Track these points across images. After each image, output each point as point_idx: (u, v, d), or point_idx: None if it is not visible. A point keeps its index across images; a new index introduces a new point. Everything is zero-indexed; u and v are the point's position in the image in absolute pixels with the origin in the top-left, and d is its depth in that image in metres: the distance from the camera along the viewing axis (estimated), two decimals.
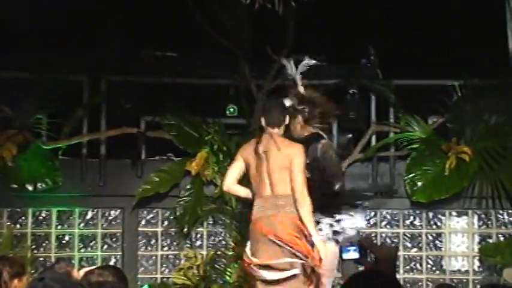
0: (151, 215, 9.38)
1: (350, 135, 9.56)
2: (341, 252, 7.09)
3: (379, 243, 8.87)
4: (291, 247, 6.39)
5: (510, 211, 9.34)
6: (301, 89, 7.20)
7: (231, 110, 9.54)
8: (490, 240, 9.40)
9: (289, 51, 9.18)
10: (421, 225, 9.45)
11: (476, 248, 9.38)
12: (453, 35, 8.87)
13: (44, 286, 4.25)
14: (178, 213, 9.14)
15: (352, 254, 7.21)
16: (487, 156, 9.07)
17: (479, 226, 9.39)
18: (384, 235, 9.38)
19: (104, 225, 9.43)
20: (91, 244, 9.32)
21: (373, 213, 9.39)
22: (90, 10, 8.90)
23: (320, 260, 6.34)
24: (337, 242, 6.93)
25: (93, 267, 6.06)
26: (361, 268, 7.25)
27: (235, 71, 9.49)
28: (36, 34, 8.66)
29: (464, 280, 9.32)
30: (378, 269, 4.10)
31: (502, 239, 9.36)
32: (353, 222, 6.95)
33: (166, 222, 9.36)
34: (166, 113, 9.32)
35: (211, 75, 9.52)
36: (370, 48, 9.43)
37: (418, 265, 9.34)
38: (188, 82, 9.50)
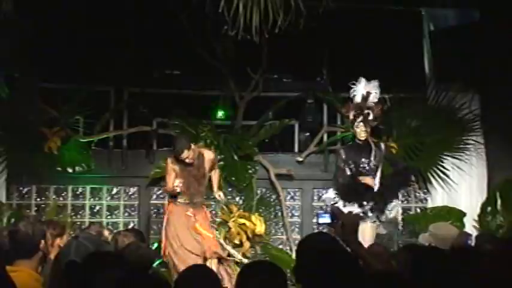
0: (160, 191, 9.22)
1: (308, 134, 9.58)
2: (318, 218, 7.34)
3: None
4: None
5: (425, 190, 9.33)
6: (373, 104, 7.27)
7: (220, 114, 9.57)
8: (410, 212, 9.40)
9: (264, 71, 9.42)
10: None
11: (400, 218, 9.18)
12: (385, 60, 8.74)
13: (77, 243, 4.23)
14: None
15: (326, 219, 7.12)
16: (408, 150, 9.05)
17: (402, 201, 9.23)
18: None
19: (125, 199, 9.36)
20: (115, 213, 9.27)
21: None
22: (116, 38, 8.81)
23: None
24: (374, 221, 7.04)
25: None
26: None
27: (223, 85, 9.48)
28: (74, 54, 8.59)
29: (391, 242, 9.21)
30: (344, 230, 4.13)
31: (418, 211, 9.38)
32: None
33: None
34: (173, 115, 9.27)
35: (205, 88, 9.50)
36: (323, 70, 9.48)
37: None
38: (188, 93, 9.49)
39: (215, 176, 7.57)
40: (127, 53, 8.86)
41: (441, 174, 9.11)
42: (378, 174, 7.30)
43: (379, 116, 7.30)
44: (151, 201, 9.27)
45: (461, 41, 8.38)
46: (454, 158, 9.11)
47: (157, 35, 8.86)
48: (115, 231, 7.56)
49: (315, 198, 9.33)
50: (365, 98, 7.24)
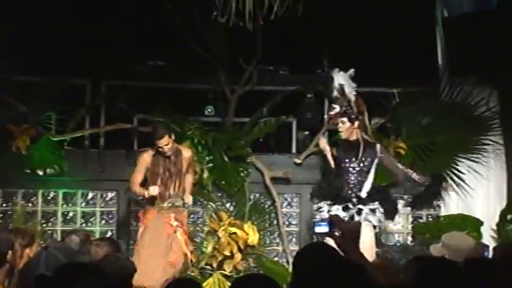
0: (141, 197, 9.04)
1: (307, 133, 9.55)
2: (314, 227, 7.06)
3: None
4: None
5: None
6: (351, 97, 7.24)
7: (209, 110, 9.57)
8: (421, 220, 9.44)
9: (258, 62, 9.43)
10: None
11: (409, 226, 9.41)
12: (393, 51, 8.81)
13: (47, 254, 4.23)
14: None
15: (323, 228, 7.14)
16: (419, 151, 9.07)
17: (412, 209, 9.35)
18: None
19: (102, 205, 9.37)
20: (91, 220, 9.28)
21: None
22: (92, 24, 8.87)
23: None
24: (374, 227, 7.08)
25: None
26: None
27: (213, 78, 9.51)
28: (47, 44, 8.64)
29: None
30: (344, 240, 4.12)
31: (430, 219, 9.41)
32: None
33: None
34: (155, 111, 9.24)
35: (192, 81, 9.52)
36: (324, 61, 9.44)
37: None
38: (173, 86, 9.50)
39: (189, 178, 7.71)
40: (105, 41, 8.89)
41: (455, 178, 9.14)
42: (370, 177, 7.30)
43: (360, 111, 7.34)
44: (132, 208, 9.24)
45: (478, 29, 8.37)
46: (470, 160, 9.14)
47: (138, 22, 8.96)
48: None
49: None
50: (341, 91, 7.28)
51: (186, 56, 9.18)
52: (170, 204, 7.45)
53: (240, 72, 9.42)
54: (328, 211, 7.03)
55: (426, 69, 8.99)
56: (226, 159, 9.13)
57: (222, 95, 9.53)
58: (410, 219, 9.40)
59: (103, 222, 9.33)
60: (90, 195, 9.37)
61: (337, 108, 7.19)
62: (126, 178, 8.70)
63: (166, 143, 7.33)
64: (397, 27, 8.82)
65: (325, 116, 7.17)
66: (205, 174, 8.96)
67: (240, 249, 8.69)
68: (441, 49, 9.17)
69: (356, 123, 7.21)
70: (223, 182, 9.10)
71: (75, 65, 8.89)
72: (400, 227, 9.39)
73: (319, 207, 7.18)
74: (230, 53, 9.21)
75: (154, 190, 7.31)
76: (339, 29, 8.94)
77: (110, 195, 9.39)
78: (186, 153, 7.62)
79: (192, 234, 8.04)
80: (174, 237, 7.32)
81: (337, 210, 7.03)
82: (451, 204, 9.13)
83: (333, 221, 6.45)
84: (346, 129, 7.17)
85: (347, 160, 7.21)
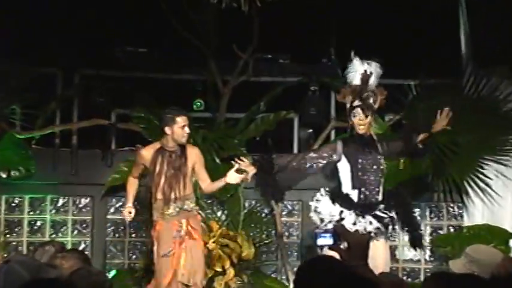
0: (119, 203, 9.17)
1: (310, 131, 9.57)
2: (316, 238, 7.03)
3: None
4: None
5: (460, 204, 9.33)
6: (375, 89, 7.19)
7: (198, 104, 9.52)
8: (441, 232, 9.44)
9: (255, 49, 9.36)
10: None
11: (428, 238, 9.35)
12: (409, 37, 8.83)
13: (8, 268, 4.18)
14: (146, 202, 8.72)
15: (327, 240, 6.98)
16: (438, 152, 8.93)
17: (431, 218, 9.40)
18: None
19: (75, 212, 9.39)
20: (62, 230, 9.27)
21: None
22: (64, 5, 8.89)
23: None
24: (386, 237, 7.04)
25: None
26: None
27: (203, 67, 9.48)
28: (12, 27, 8.61)
29: (416, 269, 9.36)
30: (350, 255, 4.01)
31: (452, 230, 9.40)
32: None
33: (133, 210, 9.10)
34: (136, 106, 9.23)
35: (179, 71, 9.52)
36: (331, 48, 9.47)
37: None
38: (158, 77, 9.49)
39: (202, 171, 7.46)
40: (79, 25, 8.88)
41: (481, 184, 9.11)
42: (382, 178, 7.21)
43: (382, 105, 7.30)
44: (109, 216, 9.27)
45: (508, 12, 8.42)
46: (498, 162, 9.10)
47: (117, 2, 8.97)
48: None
49: None
50: (365, 80, 7.18)
51: (172, 42, 9.20)
52: (178, 209, 7.24)
53: (234, 60, 9.39)
54: (341, 219, 6.91)
55: (447, 58, 8.98)
56: (217, 160, 9.05)
57: (213, 86, 9.49)
58: (429, 230, 9.43)
59: (75, 232, 9.30)
60: (61, 201, 9.36)
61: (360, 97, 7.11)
62: (102, 182, 9.04)
63: (187, 122, 7.19)
64: (414, 10, 8.88)
65: (347, 100, 7.09)
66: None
67: (233, 264, 8.65)
68: (465, 35, 9.18)
69: (370, 118, 7.18)
70: None
71: (45, 52, 8.85)
72: None
73: (331, 214, 7.02)
74: (223, 38, 9.19)
75: (126, 216, 7.25)
76: (348, 12, 8.98)
77: (84, 201, 9.43)
78: (192, 148, 7.43)
79: None
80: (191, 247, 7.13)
81: (350, 217, 6.91)
82: (476, 213, 9.14)
83: (338, 232, 6.74)
84: (369, 122, 7.13)
85: (365, 157, 7.08)
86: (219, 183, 7.26)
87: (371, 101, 7.10)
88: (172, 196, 7.15)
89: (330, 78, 9.25)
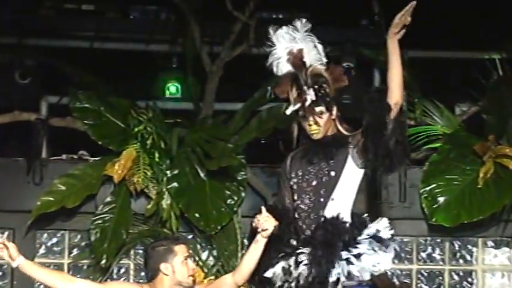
0: (54, 240, 8.20)
1: None
2: None
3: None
4: None
5: None
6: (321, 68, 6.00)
7: (173, 89, 8.70)
8: None
9: (256, 7, 8.48)
10: (442, 260, 8.39)
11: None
12: None
13: None
14: (93, 238, 7.93)
15: None
16: None
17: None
18: (389, 272, 8.11)
19: None
20: None
21: None
22: None
23: None
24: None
25: None
26: None
27: (181, 33, 8.56)
28: None
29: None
30: None
31: None
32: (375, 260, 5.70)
33: (75, 251, 8.26)
34: (79, 92, 8.10)
35: (145, 39, 8.48)
36: (375, 5, 8.41)
37: None
38: (111, 48, 8.53)
39: None
40: None
41: None
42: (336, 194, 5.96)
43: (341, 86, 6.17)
44: (38, 259, 7.97)
45: None
46: None
47: None
48: None
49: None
50: (298, 62, 6.07)
51: None
52: None
53: (227, 24, 8.44)
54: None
55: None
56: (202, 174, 8.05)
57: (196, 62, 8.54)
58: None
59: None
60: None
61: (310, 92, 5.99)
62: (27, 208, 8.01)
63: (189, 252, 6.20)
64: None
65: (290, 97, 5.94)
66: (166, 201, 7.98)
67: None
68: None
69: (334, 111, 6.01)
70: (196, 215, 7.97)
71: None
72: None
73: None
74: None
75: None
76: None
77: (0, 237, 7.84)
78: None
79: None
80: None
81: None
82: None
83: (377, 285, 6.28)
84: (325, 123, 5.97)
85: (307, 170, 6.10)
86: (251, 257, 5.92)
87: (326, 90, 5.99)
88: None
89: (372, 51, 8.24)
